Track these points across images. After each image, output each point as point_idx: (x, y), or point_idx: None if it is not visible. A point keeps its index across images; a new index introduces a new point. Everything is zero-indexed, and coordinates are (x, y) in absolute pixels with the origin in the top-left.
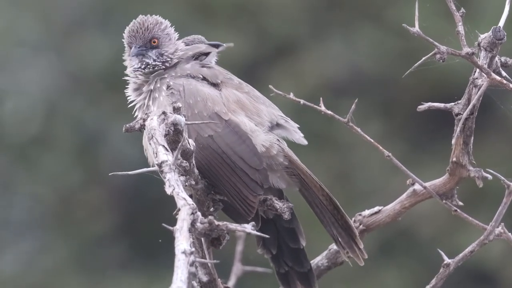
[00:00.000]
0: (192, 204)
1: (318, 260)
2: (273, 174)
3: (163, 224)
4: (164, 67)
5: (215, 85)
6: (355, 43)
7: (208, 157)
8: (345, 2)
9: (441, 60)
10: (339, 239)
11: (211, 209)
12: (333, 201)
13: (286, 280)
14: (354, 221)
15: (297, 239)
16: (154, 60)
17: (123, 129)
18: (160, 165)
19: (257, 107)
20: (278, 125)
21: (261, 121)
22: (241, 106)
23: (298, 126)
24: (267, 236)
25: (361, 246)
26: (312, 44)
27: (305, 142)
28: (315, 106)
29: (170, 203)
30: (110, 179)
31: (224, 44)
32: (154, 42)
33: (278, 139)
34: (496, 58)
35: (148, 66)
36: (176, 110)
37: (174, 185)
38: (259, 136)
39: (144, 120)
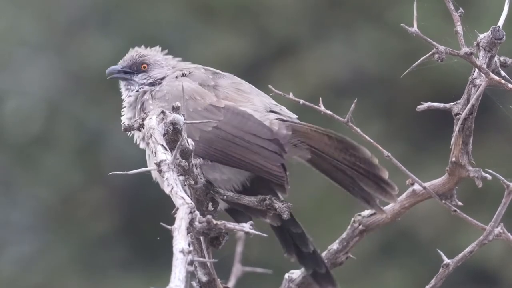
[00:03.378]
0: (191, 203)
1: None
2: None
3: (161, 223)
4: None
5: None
6: (356, 43)
7: (220, 148)
8: (346, 2)
9: (439, 60)
10: (369, 190)
11: (211, 209)
12: (346, 142)
13: (317, 279)
14: (354, 222)
15: (307, 243)
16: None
17: (122, 128)
18: (158, 164)
19: (247, 97)
20: (273, 113)
21: (255, 108)
22: (231, 100)
23: (297, 117)
24: (265, 235)
25: (386, 176)
26: (313, 44)
27: None
28: (314, 106)
29: (171, 203)
30: (111, 179)
31: None
32: (144, 67)
33: (276, 115)
34: (495, 58)
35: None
36: (175, 109)
37: (173, 184)
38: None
39: (143, 119)
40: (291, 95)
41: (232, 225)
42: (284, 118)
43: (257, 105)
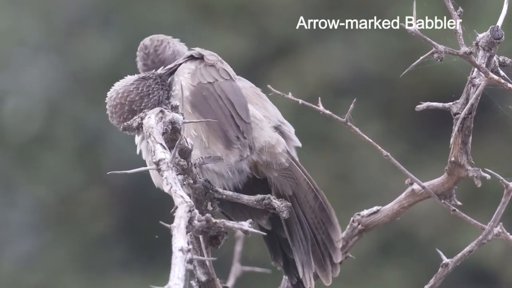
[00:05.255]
0: (190, 201)
1: None
2: (271, 172)
3: (160, 222)
4: None
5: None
6: (355, 43)
7: (203, 97)
8: (345, 2)
9: (439, 60)
10: (305, 258)
11: (210, 208)
12: (326, 211)
13: None
14: (353, 221)
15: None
16: None
17: (121, 127)
18: (157, 163)
19: (263, 103)
20: (281, 132)
21: (268, 115)
22: (248, 99)
23: (300, 146)
24: (264, 233)
25: (338, 261)
26: (312, 44)
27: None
28: (313, 106)
29: (170, 203)
30: (111, 179)
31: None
32: None
33: (284, 143)
34: (494, 58)
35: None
36: (174, 108)
37: (172, 183)
38: (265, 128)
39: (142, 118)
40: (290, 95)
41: (231, 223)
42: (291, 152)
43: (271, 113)
